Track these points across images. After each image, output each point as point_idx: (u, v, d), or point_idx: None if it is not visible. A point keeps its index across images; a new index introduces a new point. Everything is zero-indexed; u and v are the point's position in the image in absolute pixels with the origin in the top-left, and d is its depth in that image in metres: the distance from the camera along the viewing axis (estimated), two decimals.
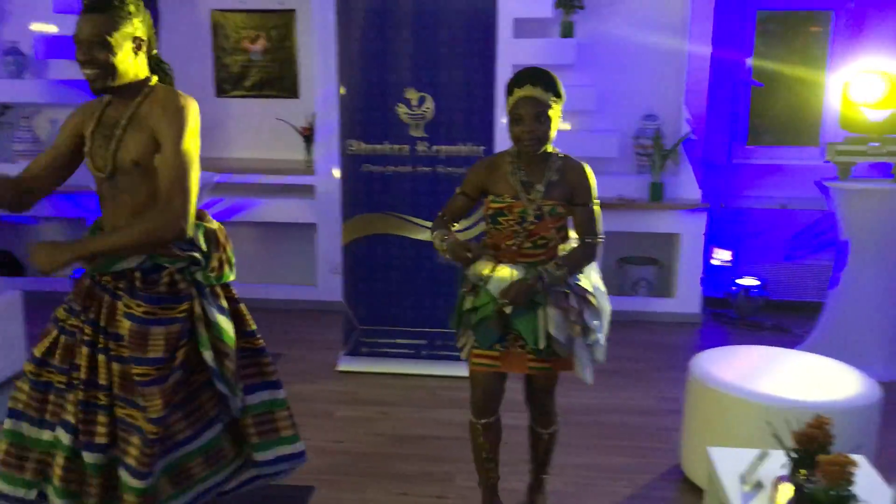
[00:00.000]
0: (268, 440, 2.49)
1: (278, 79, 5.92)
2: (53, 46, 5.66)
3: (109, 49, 2.16)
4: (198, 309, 2.28)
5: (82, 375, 2.25)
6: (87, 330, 2.26)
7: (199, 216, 2.36)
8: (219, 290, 2.39)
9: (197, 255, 2.29)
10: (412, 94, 4.37)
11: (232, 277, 2.43)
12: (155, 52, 2.37)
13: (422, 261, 4.52)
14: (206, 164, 5.77)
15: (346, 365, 4.63)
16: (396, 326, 4.62)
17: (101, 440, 2.25)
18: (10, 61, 5.73)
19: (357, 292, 4.65)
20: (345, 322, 4.71)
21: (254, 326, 2.52)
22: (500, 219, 2.73)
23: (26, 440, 2.33)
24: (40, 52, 5.68)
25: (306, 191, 5.63)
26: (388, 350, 4.65)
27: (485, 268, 2.71)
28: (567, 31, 5.27)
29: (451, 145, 4.40)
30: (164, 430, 2.24)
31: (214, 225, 2.39)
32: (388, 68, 4.36)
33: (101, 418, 2.25)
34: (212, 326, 2.30)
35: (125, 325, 2.21)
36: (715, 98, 5.46)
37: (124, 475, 2.25)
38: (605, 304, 2.78)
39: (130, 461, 2.22)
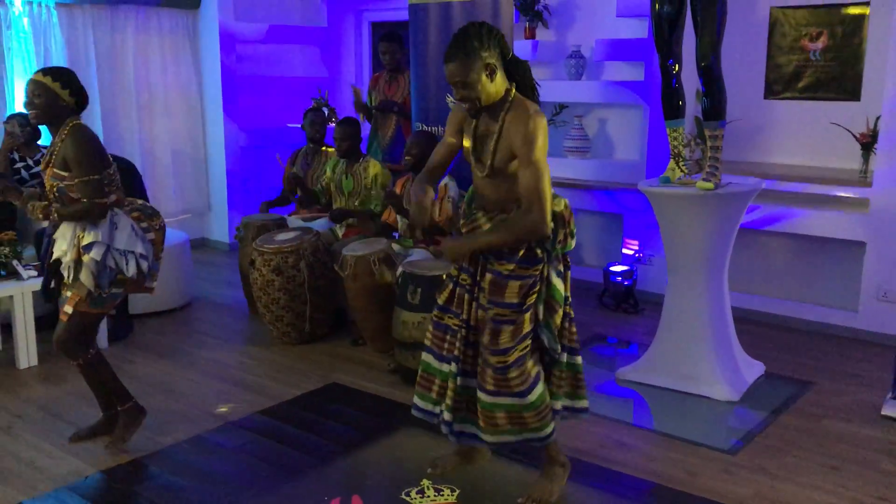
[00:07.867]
0: (561, 393, 3.06)
1: (837, 80, 5.35)
2: (611, 49, 5.91)
3: (471, 87, 2.79)
4: (545, 271, 2.90)
5: (464, 316, 2.97)
6: (468, 282, 2.98)
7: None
8: (560, 257, 2.96)
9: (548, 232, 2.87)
10: None
11: (572, 247, 2.98)
12: (510, 55, 2.89)
13: None
14: (749, 168, 5.57)
15: (894, 410, 3.95)
16: None
17: (473, 369, 2.96)
18: (572, 64, 6.16)
19: None
20: None
21: (568, 295, 3.01)
22: None
23: (432, 369, 3.09)
24: (599, 54, 5.98)
25: (858, 204, 5.01)
26: None
27: None
28: None
29: None
30: (506, 361, 2.85)
31: (561, 206, 2.91)
32: None
33: (470, 352, 2.97)
34: (550, 286, 2.91)
35: (487, 279, 2.90)
36: None
37: (482, 395, 2.92)
38: None
39: (484, 384, 2.90)
